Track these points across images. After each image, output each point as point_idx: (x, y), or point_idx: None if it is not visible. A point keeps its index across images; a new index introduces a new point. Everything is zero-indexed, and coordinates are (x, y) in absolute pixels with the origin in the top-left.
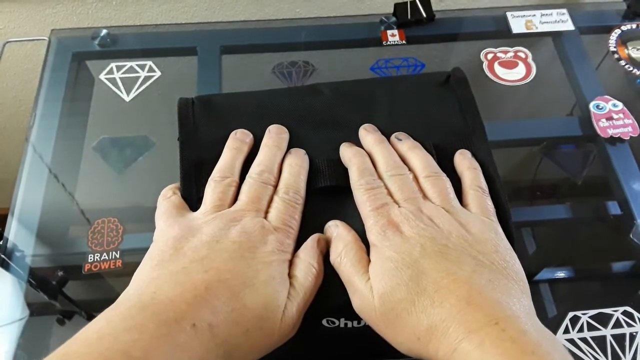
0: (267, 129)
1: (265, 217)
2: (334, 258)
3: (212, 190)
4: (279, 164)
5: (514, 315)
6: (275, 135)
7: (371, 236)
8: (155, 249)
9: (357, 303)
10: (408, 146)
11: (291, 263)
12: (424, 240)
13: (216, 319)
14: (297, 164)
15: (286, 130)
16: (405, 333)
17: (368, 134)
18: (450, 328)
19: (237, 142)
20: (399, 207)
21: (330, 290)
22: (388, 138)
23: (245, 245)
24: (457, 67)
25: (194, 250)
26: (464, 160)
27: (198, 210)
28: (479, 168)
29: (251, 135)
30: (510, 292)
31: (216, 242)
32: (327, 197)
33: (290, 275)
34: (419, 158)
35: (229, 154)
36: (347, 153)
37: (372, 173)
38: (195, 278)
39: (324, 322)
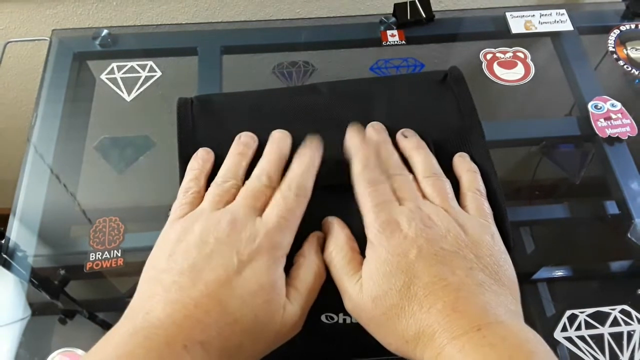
0: (270, 135)
1: (262, 215)
2: (325, 256)
3: (211, 192)
4: (281, 170)
5: (497, 321)
6: (278, 140)
7: (369, 233)
8: (154, 255)
9: (347, 303)
10: (413, 144)
11: (294, 261)
12: (422, 241)
13: (207, 337)
14: (306, 162)
15: (289, 135)
16: (395, 335)
17: (375, 134)
18: (436, 333)
19: (240, 146)
20: (400, 205)
21: (329, 286)
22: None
23: (234, 245)
24: (454, 65)
25: (184, 256)
26: (462, 163)
27: (196, 209)
28: (478, 171)
29: (257, 139)
30: (499, 297)
31: (204, 245)
32: (328, 195)
33: (293, 276)
34: (422, 158)
35: (231, 159)
36: (352, 140)
37: (375, 166)
38: (184, 295)
39: (323, 317)
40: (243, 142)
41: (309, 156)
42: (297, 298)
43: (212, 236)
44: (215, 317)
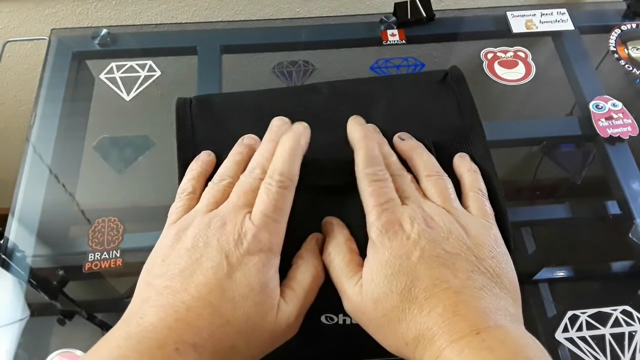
0: (271, 122)
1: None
2: (324, 258)
3: (206, 193)
4: None
5: (497, 325)
6: (276, 129)
7: (371, 233)
8: (150, 260)
9: (346, 304)
10: (410, 146)
11: (292, 263)
12: (424, 242)
13: (200, 339)
14: (290, 145)
15: (288, 121)
16: (395, 338)
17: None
18: (435, 336)
19: (241, 147)
20: (402, 204)
21: (329, 287)
22: (386, 135)
23: (223, 248)
24: (454, 65)
25: (176, 261)
26: (463, 163)
27: (190, 211)
28: (479, 171)
29: (259, 141)
30: (499, 301)
31: (194, 249)
32: (328, 195)
33: (290, 277)
34: (422, 158)
35: (230, 159)
36: (355, 132)
37: (380, 162)
38: (176, 299)
39: (323, 318)
40: (245, 144)
41: (291, 139)
42: (293, 299)
43: (202, 240)
44: (207, 319)
